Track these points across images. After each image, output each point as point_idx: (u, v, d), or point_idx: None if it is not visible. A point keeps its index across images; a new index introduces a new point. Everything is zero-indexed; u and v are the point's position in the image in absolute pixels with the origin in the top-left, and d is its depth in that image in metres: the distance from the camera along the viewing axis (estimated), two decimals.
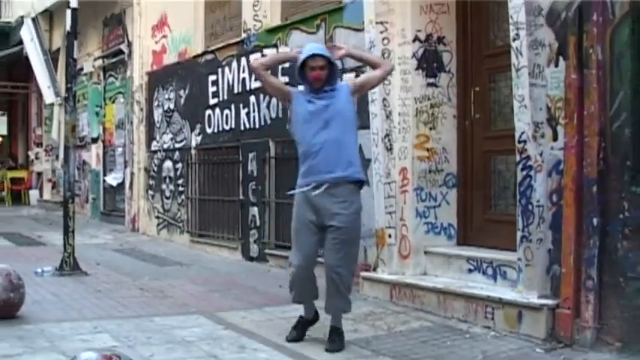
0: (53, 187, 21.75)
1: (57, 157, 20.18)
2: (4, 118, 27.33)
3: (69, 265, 9.86)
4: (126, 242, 13.64)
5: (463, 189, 8.11)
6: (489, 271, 7.23)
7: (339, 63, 6.83)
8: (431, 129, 8.08)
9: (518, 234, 6.57)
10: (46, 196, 22.32)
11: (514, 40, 6.48)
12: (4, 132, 27.11)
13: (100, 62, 17.81)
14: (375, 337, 6.57)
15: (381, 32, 8.10)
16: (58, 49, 19.10)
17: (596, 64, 5.98)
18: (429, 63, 8.06)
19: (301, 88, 6.28)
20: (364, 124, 7.91)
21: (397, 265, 8.10)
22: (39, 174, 23.16)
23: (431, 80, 8.07)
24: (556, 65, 6.34)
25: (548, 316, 6.25)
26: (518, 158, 6.54)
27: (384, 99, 8.09)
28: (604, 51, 5.97)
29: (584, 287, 6.05)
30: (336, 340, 6.01)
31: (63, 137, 18.60)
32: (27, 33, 19.67)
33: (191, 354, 5.92)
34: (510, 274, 6.92)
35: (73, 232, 9.91)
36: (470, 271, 7.46)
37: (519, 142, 6.50)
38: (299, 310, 6.62)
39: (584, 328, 6.04)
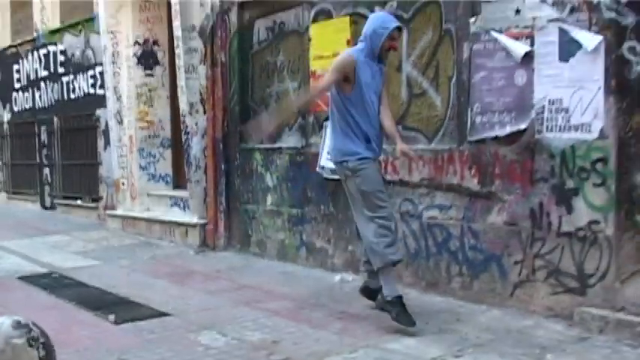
0: None
1: None
2: None
3: None
4: None
5: (175, 149, 10.81)
6: (181, 204, 9.98)
7: None
8: (149, 107, 10.73)
9: (188, 177, 9.35)
10: None
11: (177, 47, 9.21)
12: None
13: None
14: (94, 250, 9.23)
15: (112, 39, 10.67)
16: None
17: (221, 64, 8.77)
18: (146, 59, 10.69)
19: (352, 51, 5.48)
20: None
21: (129, 204, 10.78)
22: None
23: (148, 72, 10.70)
24: (203, 64, 9.09)
25: (201, 231, 9.04)
26: (182, 127, 9.30)
27: (115, 87, 10.71)
28: (225, 55, 8.75)
29: (219, 211, 8.89)
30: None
31: None
32: None
33: None
34: None
35: None
36: (172, 205, 10.19)
37: (182, 115, 9.26)
38: None
39: (220, 237, 8.88)
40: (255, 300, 6.33)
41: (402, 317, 5.19)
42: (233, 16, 8.53)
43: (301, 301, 6.26)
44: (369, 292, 5.78)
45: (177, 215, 9.70)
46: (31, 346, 3.65)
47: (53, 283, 7.34)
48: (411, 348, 4.85)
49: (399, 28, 5.41)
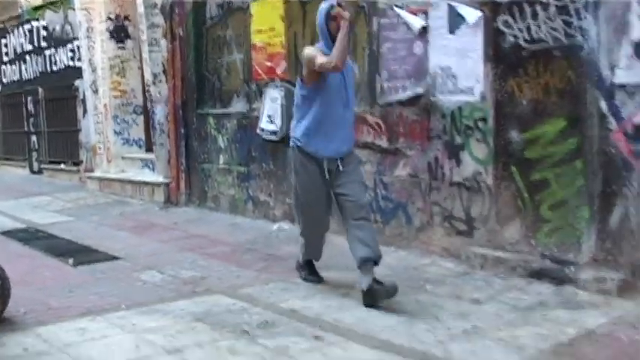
0: None
1: None
2: None
3: None
4: None
5: (147, 115, 11.53)
6: (151, 166, 10.74)
7: None
8: (122, 77, 11.44)
9: (153, 141, 10.09)
10: None
11: (140, 23, 9.91)
12: None
13: None
14: (70, 209, 10.01)
15: (86, 15, 11.37)
16: None
17: (179, 38, 9.47)
18: (118, 33, 11.39)
19: (319, 46, 5.17)
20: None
21: (105, 167, 11.55)
22: None
23: (120, 45, 11.40)
24: (165, 38, 9.80)
25: (165, 189, 9.80)
26: (147, 95, 10.03)
27: (90, 59, 11.43)
28: (183, 30, 9.45)
29: (180, 170, 9.65)
30: None
31: None
32: None
33: None
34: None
35: None
36: (142, 167, 10.96)
37: (147, 85, 9.99)
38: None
39: (181, 194, 9.65)
40: (199, 246, 7.11)
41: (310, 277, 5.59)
42: None
43: (237, 246, 7.05)
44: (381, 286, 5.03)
45: (146, 175, 10.46)
46: None
47: (29, 236, 8.11)
48: (316, 281, 5.63)
49: (339, 4, 5.01)
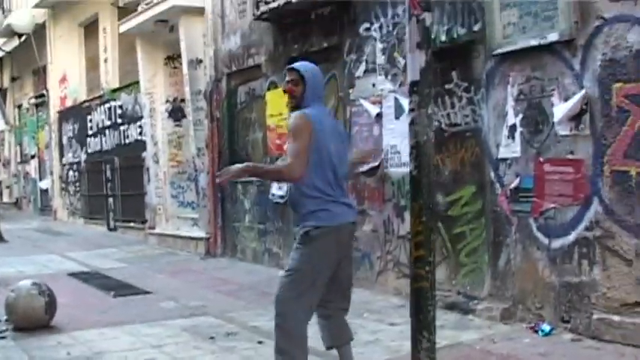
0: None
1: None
2: None
3: None
4: (45, 226, 18.99)
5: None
6: (198, 224, 12.73)
7: None
8: (178, 150, 13.53)
9: (197, 203, 12.09)
10: (5, 199, 27.41)
11: (187, 107, 11.99)
12: None
13: (33, 100, 23.12)
14: (129, 258, 12.02)
15: (149, 98, 13.57)
16: (6, 89, 24.64)
17: (217, 119, 11.51)
18: (175, 113, 13.53)
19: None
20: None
21: (164, 224, 13.59)
22: None
23: (177, 123, 13.53)
24: (207, 119, 11.84)
25: (206, 243, 11.74)
26: (192, 166, 12.05)
27: (152, 134, 13.59)
28: (220, 112, 11.50)
29: (217, 227, 11.58)
30: None
31: (12, 155, 24.14)
32: None
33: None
34: None
35: None
36: (192, 225, 12.93)
37: (192, 157, 12.01)
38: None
39: (217, 247, 11.57)
40: (213, 285, 8.96)
41: None
42: (224, 83, 11.26)
43: (243, 286, 8.86)
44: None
45: (193, 232, 12.41)
46: (40, 294, 6.44)
47: (88, 277, 10.09)
48: None
49: (289, 70, 4.53)
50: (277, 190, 9.65)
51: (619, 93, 5.61)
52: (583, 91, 5.82)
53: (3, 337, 6.46)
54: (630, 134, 5.56)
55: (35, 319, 6.71)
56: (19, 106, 24.57)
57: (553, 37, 6.07)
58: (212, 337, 6.32)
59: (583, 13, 5.79)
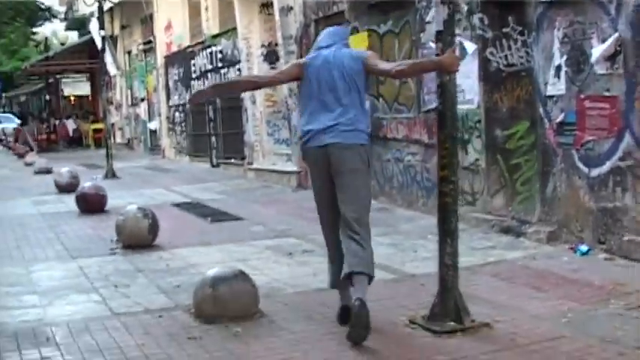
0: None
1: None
2: (88, 84, 34.78)
3: (109, 174, 16.71)
4: (154, 164, 20.49)
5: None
6: (292, 159, 13.77)
7: None
8: (273, 90, 14.49)
9: (290, 139, 13.10)
10: (118, 139, 29.14)
11: (279, 51, 12.95)
12: (89, 93, 34.64)
13: (141, 47, 24.61)
14: (228, 191, 13.21)
15: (245, 43, 14.61)
16: (117, 36, 26.22)
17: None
18: (270, 57, 14.52)
19: None
20: None
21: (261, 160, 14.72)
22: (112, 124, 29.78)
23: (272, 66, 14.51)
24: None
25: (297, 177, 12.74)
26: (284, 105, 13.04)
27: None
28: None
29: None
30: None
31: (124, 98, 25.78)
32: (94, 25, 26.06)
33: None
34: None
35: (111, 155, 16.79)
36: (287, 160, 13.95)
37: (285, 97, 12.99)
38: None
39: (307, 180, 12.56)
40: (299, 214, 9.94)
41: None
42: (312, 29, 12.14)
43: None
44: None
45: (287, 166, 13.47)
46: (145, 217, 7.61)
47: (190, 207, 11.29)
48: None
49: None
50: None
51: None
52: (617, 34, 6.43)
53: (114, 254, 7.68)
54: None
55: (140, 238, 7.88)
56: (129, 52, 26.11)
57: None
58: (290, 254, 7.33)
59: None
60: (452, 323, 4.63)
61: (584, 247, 6.83)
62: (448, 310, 4.67)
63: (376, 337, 4.56)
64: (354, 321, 4.41)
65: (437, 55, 4.88)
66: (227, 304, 5.05)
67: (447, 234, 4.76)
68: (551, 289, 5.62)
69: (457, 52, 8.62)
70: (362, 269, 4.54)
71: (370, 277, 4.62)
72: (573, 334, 4.52)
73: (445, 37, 4.76)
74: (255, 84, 6.00)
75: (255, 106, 14.56)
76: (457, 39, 8.44)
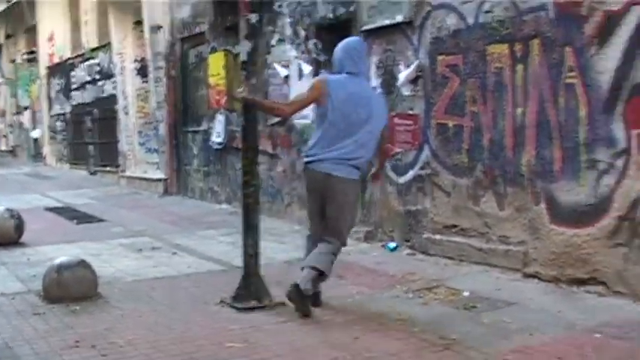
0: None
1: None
2: None
3: None
4: (35, 171, 20.67)
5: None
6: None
7: None
8: (145, 103, 15.17)
9: (157, 149, 13.82)
10: (2, 147, 29.08)
11: (149, 67, 13.64)
12: None
13: (25, 56, 24.72)
14: (99, 197, 13.78)
15: (120, 58, 15.22)
16: (1, 45, 26.27)
17: (173, 77, 13.14)
18: (142, 72, 15.16)
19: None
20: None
21: (133, 168, 15.33)
22: None
23: (144, 79, 15.14)
24: (165, 77, 13.50)
25: (164, 183, 13.44)
26: (152, 118, 13.74)
27: (123, 90, 15.26)
28: (175, 72, 13.14)
29: (173, 170, 13.27)
30: None
31: (8, 106, 25.78)
32: None
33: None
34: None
35: None
36: (156, 169, 14.66)
37: (152, 110, 13.71)
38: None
39: (173, 187, 13.31)
40: (158, 216, 10.71)
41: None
42: (178, 47, 12.91)
43: (182, 217, 10.62)
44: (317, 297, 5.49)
45: (155, 174, 14.14)
46: (12, 217, 8.22)
47: (61, 211, 11.82)
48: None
49: None
50: (216, 137, 11.37)
51: (442, 63, 7.25)
52: (417, 61, 7.48)
53: None
54: (449, 95, 7.21)
55: (6, 236, 8.47)
56: (14, 61, 26.14)
57: (399, 18, 7.70)
58: (140, 250, 8.07)
59: (419, 0, 7.39)
60: (253, 302, 5.50)
61: (392, 244, 7.82)
62: (250, 291, 5.53)
63: (189, 312, 5.41)
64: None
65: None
66: (69, 287, 5.80)
67: (250, 228, 5.61)
68: (350, 278, 6.51)
69: (295, 72, 9.69)
70: (313, 264, 5.23)
71: (321, 273, 5.26)
72: (347, 310, 5.45)
73: (249, 67, 5.62)
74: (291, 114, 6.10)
75: (128, 116, 15.18)
76: (296, 61, 9.49)
